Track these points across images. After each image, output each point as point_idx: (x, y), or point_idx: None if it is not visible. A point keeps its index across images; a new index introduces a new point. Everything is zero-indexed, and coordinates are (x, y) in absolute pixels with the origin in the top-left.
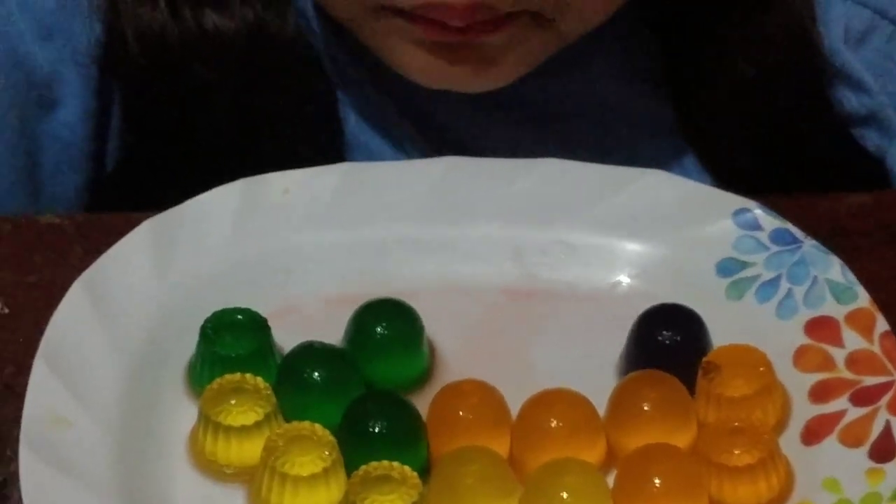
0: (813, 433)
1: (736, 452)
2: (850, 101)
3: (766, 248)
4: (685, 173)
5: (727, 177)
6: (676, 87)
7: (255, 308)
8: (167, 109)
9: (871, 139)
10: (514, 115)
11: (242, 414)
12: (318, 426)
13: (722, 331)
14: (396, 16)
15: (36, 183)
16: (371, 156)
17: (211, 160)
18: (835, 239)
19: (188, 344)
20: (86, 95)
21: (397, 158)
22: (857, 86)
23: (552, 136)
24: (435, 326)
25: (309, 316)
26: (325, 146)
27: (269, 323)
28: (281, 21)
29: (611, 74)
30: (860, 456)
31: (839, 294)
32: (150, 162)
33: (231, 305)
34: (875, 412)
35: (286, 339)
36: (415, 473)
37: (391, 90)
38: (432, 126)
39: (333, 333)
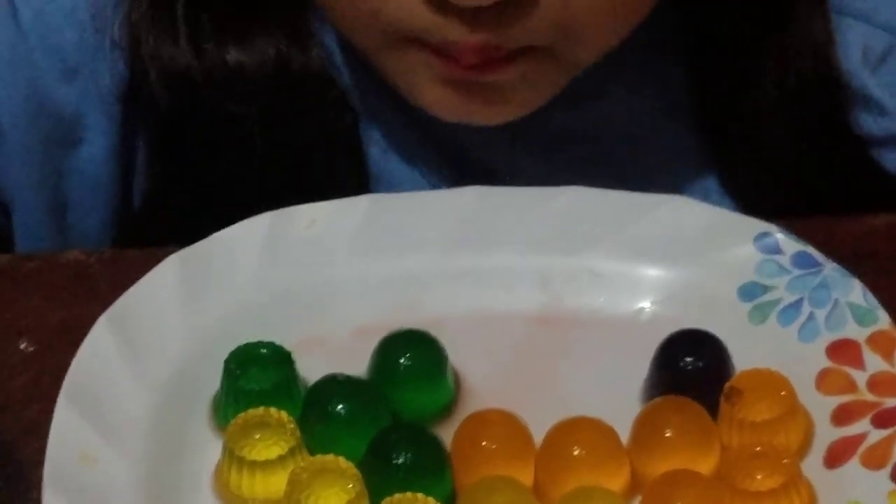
0: (835, 456)
1: (758, 477)
2: (869, 123)
3: (788, 272)
4: (707, 198)
5: (750, 200)
6: (699, 112)
7: (281, 340)
8: (192, 145)
9: (891, 160)
10: (538, 143)
11: (266, 448)
12: (341, 459)
13: (745, 355)
14: (417, 48)
15: (63, 220)
16: (395, 186)
17: (236, 194)
18: (857, 260)
19: (214, 378)
20: (111, 133)
21: (422, 188)
22: (876, 108)
23: (575, 163)
24: (461, 356)
25: (336, 348)
26: (349, 178)
27: (296, 355)
28: (304, 55)
29: (633, 101)
30: (882, 478)
31: (860, 317)
32: (176, 197)
33: (257, 339)
34: None
35: (313, 371)
36: None
37: (415, 121)
38: (456, 155)
39: (360, 365)
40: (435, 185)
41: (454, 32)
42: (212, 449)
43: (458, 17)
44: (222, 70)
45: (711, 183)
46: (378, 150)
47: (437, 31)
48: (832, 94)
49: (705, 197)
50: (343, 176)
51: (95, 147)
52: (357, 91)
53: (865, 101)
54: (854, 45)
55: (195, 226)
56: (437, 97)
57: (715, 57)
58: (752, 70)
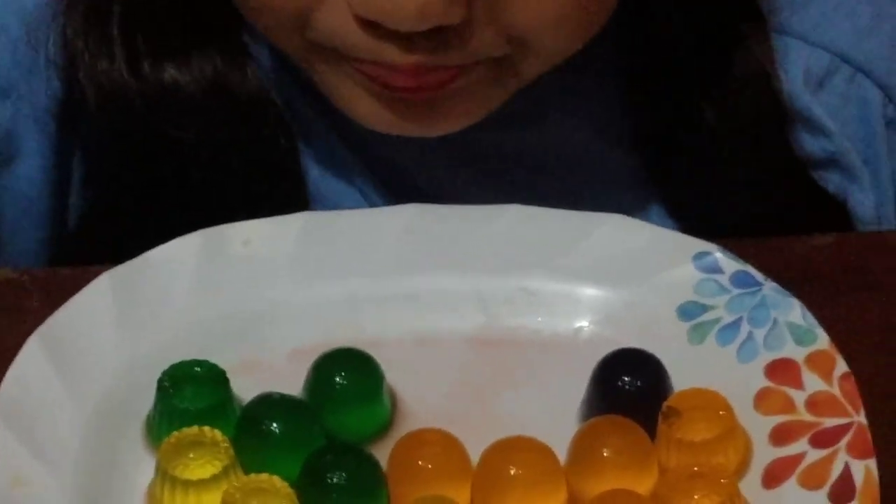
0: (773, 476)
1: (696, 497)
2: (811, 144)
3: (727, 291)
4: (649, 219)
5: (694, 223)
6: (641, 136)
7: (216, 361)
8: (129, 164)
9: (832, 181)
10: (480, 165)
11: (200, 467)
12: (276, 478)
13: (684, 375)
14: (348, 62)
15: None
16: (335, 207)
17: (173, 213)
18: (800, 281)
19: (147, 398)
20: (46, 151)
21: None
22: (818, 130)
23: (518, 185)
24: (398, 376)
25: (271, 368)
26: (288, 199)
27: (231, 376)
28: (241, 75)
29: (576, 125)
30: (820, 498)
31: (799, 336)
32: (112, 216)
33: (191, 358)
34: (834, 454)
35: (248, 391)
36: None
37: (354, 142)
38: (397, 177)
39: (296, 387)
40: (375, 206)
41: (388, 54)
42: (144, 468)
43: (393, 39)
44: (159, 89)
45: (656, 208)
46: (317, 171)
47: (369, 52)
48: (775, 116)
49: (647, 218)
50: (282, 197)
51: (30, 166)
52: (295, 113)
53: (807, 122)
54: (796, 66)
55: (131, 245)
56: (370, 111)
57: (656, 81)
58: (694, 95)
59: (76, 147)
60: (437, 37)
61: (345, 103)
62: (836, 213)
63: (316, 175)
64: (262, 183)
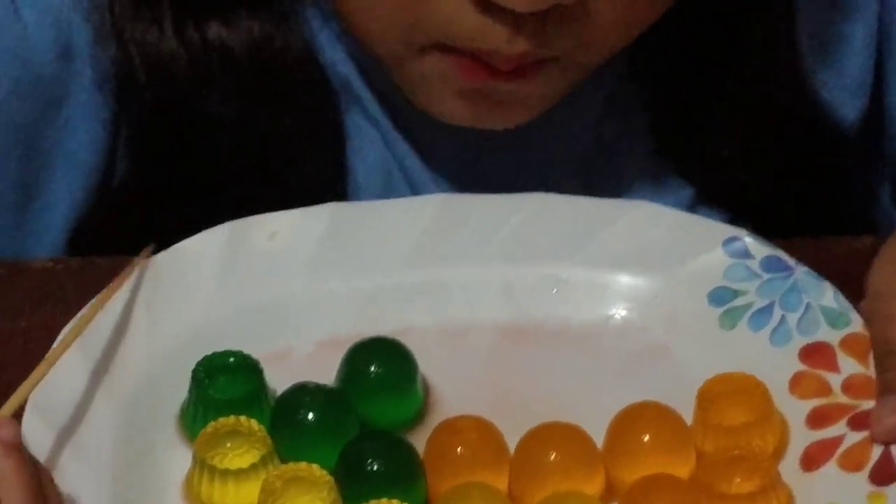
0: (812, 459)
1: (736, 480)
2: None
3: (758, 276)
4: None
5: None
6: (673, 136)
7: (246, 352)
8: (172, 136)
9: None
10: (506, 138)
11: (238, 457)
12: (315, 467)
13: (716, 361)
14: (439, 56)
15: (28, 209)
16: (371, 177)
17: (212, 185)
18: (839, 283)
19: (178, 389)
20: (105, 115)
21: (396, 180)
22: None
23: (545, 161)
24: (429, 366)
25: (301, 359)
26: (327, 167)
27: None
28: (288, 37)
29: (588, 107)
30: (861, 480)
31: (833, 320)
32: (151, 192)
33: (221, 349)
34: None
35: (278, 382)
36: None
37: (394, 109)
38: (433, 149)
39: (325, 376)
40: (409, 176)
41: (495, 39)
42: (180, 459)
43: (504, 22)
44: (204, 51)
45: (672, 191)
46: (357, 140)
47: (478, 37)
48: (809, 121)
49: (677, 200)
50: (321, 165)
51: (88, 129)
52: (340, 79)
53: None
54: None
55: (162, 230)
56: (451, 107)
57: (687, 84)
58: (729, 99)
59: (124, 119)
60: (544, 23)
61: (425, 99)
62: (858, 200)
63: (356, 143)
64: (302, 148)
